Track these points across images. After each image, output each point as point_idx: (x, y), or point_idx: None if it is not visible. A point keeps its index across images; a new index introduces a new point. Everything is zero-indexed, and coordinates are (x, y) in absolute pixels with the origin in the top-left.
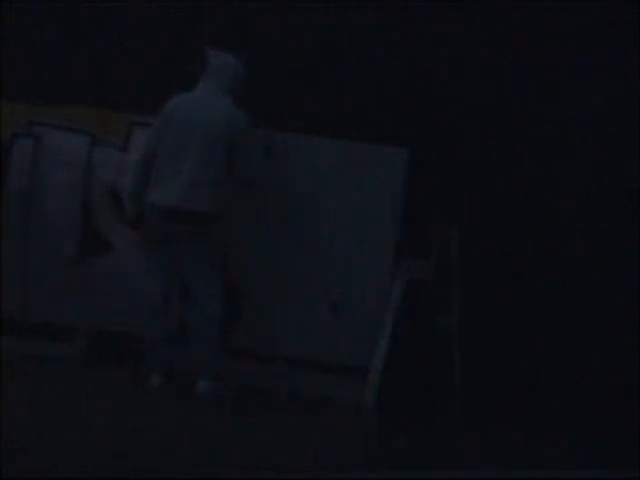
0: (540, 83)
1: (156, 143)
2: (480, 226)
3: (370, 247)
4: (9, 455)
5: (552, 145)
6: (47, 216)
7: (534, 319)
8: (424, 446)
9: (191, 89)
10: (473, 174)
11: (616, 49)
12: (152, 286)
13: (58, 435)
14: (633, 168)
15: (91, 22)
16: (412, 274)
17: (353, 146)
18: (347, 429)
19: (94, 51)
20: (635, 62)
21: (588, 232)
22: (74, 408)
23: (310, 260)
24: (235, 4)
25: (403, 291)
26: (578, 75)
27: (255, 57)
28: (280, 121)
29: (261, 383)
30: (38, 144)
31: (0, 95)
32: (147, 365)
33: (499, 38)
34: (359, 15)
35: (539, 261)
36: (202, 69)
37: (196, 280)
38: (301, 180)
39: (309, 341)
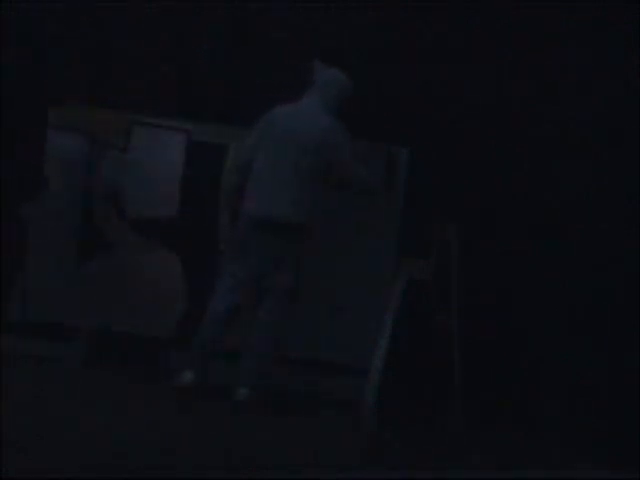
0: (540, 83)
1: (252, 152)
2: (480, 226)
3: (370, 247)
4: (9, 455)
5: (552, 145)
6: (47, 216)
7: (534, 319)
8: (424, 446)
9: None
10: (473, 174)
11: (616, 49)
12: (221, 295)
13: (58, 435)
14: (633, 168)
15: (91, 22)
16: (412, 274)
17: (353, 146)
18: (347, 429)
19: (94, 51)
20: (635, 62)
21: (588, 232)
22: (74, 408)
23: (310, 260)
24: (235, 4)
25: (403, 291)
26: (578, 75)
27: (255, 57)
28: None
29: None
30: None
31: (1, 95)
32: (179, 363)
33: (499, 38)
34: (359, 15)
35: (539, 261)
36: (308, 81)
37: (268, 292)
38: None
39: (309, 341)
